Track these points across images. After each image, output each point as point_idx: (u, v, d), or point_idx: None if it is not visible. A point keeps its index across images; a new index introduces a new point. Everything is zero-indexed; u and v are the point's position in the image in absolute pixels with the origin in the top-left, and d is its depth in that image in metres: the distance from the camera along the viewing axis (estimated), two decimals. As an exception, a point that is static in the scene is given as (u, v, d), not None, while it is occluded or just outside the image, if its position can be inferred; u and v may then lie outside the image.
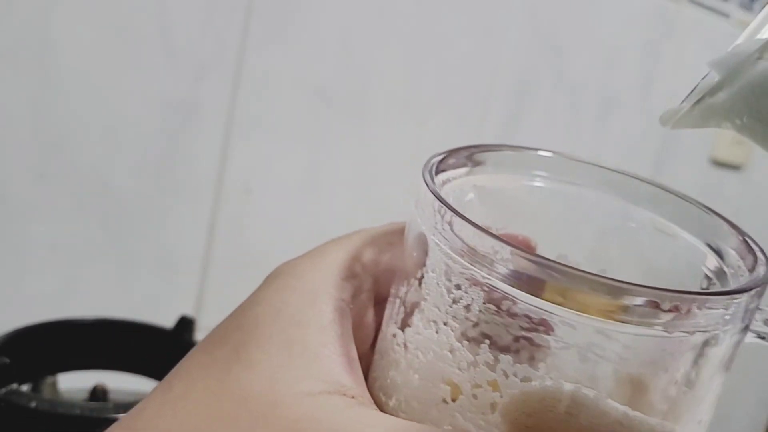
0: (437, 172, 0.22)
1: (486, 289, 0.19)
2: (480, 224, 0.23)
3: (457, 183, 0.23)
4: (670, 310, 0.17)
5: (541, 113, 0.78)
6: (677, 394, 0.20)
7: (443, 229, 0.19)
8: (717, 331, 0.18)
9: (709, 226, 0.23)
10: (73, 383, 0.45)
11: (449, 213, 0.19)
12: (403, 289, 0.21)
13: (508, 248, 0.18)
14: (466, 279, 0.19)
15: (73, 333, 0.45)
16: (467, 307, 0.19)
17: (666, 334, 0.18)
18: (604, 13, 0.80)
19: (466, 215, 0.21)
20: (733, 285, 0.21)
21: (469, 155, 0.24)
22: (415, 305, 0.21)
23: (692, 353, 0.19)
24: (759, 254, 0.21)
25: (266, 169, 0.63)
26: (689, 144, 0.92)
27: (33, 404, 0.37)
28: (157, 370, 0.47)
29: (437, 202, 0.20)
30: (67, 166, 0.55)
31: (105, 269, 0.58)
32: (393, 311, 0.22)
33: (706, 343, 0.19)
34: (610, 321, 0.17)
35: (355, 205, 0.68)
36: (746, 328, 0.20)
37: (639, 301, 0.17)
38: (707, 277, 0.22)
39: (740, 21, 0.91)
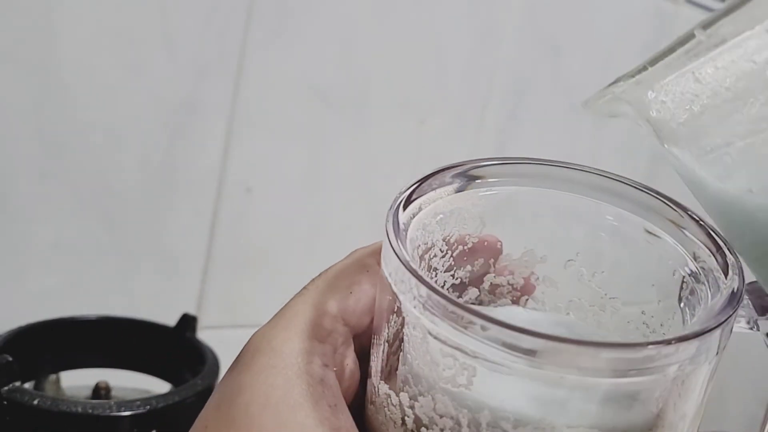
0: (405, 206, 0.22)
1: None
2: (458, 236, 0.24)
3: (430, 209, 0.24)
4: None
5: (539, 113, 0.78)
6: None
7: (419, 295, 0.20)
8: (692, 365, 0.19)
9: (686, 229, 0.24)
10: (76, 381, 0.46)
11: (423, 288, 0.19)
12: (384, 337, 0.22)
13: (482, 321, 0.18)
14: (449, 347, 0.19)
15: (75, 331, 0.46)
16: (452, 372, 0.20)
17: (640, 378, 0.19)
18: (603, 13, 0.80)
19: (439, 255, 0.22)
20: (710, 298, 0.21)
21: (446, 177, 0.24)
22: (402, 362, 0.21)
23: (671, 384, 0.20)
24: (731, 269, 0.21)
25: (267, 168, 0.63)
26: (687, 143, 0.92)
27: (36, 402, 0.37)
28: (160, 368, 0.47)
29: (409, 276, 0.20)
30: (70, 165, 0.55)
31: (107, 267, 0.58)
32: (379, 364, 0.22)
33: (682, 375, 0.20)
34: (589, 378, 0.18)
35: (355, 203, 0.68)
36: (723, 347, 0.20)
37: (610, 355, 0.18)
38: (686, 282, 0.23)
39: (738, 21, 0.91)
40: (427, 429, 0.20)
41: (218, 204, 0.62)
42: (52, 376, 0.45)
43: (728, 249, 0.22)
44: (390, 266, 0.21)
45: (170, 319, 0.48)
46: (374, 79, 0.66)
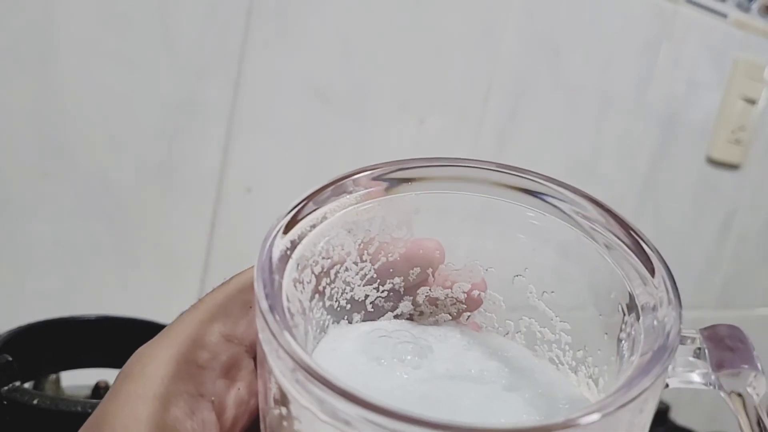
0: (288, 229, 0.20)
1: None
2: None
3: (338, 217, 0.21)
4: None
5: (539, 113, 0.78)
6: None
7: (281, 358, 0.17)
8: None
9: (630, 252, 0.21)
10: (76, 381, 0.46)
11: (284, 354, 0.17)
12: (263, 375, 0.19)
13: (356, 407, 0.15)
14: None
15: (75, 331, 0.45)
16: None
17: None
18: (602, 13, 0.80)
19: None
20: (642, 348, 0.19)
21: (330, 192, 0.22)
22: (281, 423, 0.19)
23: None
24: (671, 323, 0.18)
25: (267, 168, 0.63)
26: (686, 143, 0.92)
27: (35, 402, 0.37)
28: (159, 368, 0.47)
29: (271, 338, 0.17)
30: (70, 165, 0.55)
31: (107, 267, 0.58)
32: (262, 399, 0.20)
33: None
34: None
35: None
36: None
37: None
38: (620, 305, 0.20)
39: (738, 21, 0.91)
40: None
41: (218, 204, 0.62)
42: (52, 376, 0.45)
43: (668, 276, 0.20)
44: (258, 320, 0.18)
45: (170, 319, 0.48)
46: (374, 79, 0.66)
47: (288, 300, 0.19)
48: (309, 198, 0.21)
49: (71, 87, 0.54)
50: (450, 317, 0.24)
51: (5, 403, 0.37)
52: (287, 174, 0.64)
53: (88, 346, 0.46)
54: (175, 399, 0.20)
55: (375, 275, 0.23)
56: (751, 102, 0.95)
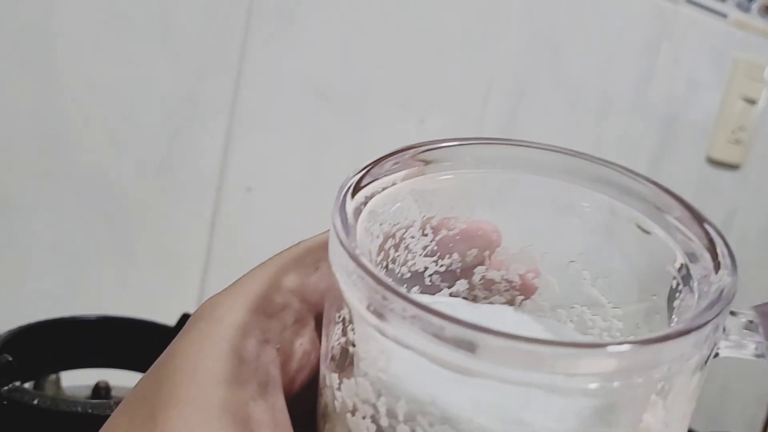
0: (354, 192, 0.20)
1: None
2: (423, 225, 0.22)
3: (387, 193, 0.21)
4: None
5: (539, 113, 0.78)
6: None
7: (348, 269, 0.18)
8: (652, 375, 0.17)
9: (683, 228, 0.21)
10: (76, 381, 0.46)
11: (349, 261, 0.17)
12: (330, 317, 0.20)
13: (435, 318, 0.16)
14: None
15: (75, 331, 0.45)
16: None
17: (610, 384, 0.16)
18: (602, 13, 0.80)
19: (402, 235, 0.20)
20: (697, 302, 0.19)
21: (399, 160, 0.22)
22: (346, 354, 0.19)
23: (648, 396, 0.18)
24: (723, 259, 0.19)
25: (267, 168, 0.63)
26: (686, 143, 0.92)
27: (35, 402, 0.37)
28: (159, 368, 0.47)
29: (339, 246, 0.18)
30: (70, 165, 0.55)
31: (107, 267, 0.58)
32: (325, 346, 0.20)
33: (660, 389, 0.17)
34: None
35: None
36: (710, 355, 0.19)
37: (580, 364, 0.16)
38: (675, 280, 0.21)
39: (738, 21, 0.91)
40: (352, 415, 0.19)
41: (218, 204, 0.62)
42: (52, 376, 0.45)
43: (726, 248, 0.20)
44: (331, 241, 0.19)
45: (170, 319, 0.48)
46: (374, 79, 0.66)
47: (360, 242, 0.19)
48: (376, 162, 0.22)
49: (71, 86, 0.54)
50: (503, 301, 0.24)
51: (5, 403, 0.37)
52: (287, 174, 0.64)
53: (88, 346, 0.46)
54: (244, 340, 0.20)
55: (436, 248, 0.23)
56: (751, 102, 0.95)
